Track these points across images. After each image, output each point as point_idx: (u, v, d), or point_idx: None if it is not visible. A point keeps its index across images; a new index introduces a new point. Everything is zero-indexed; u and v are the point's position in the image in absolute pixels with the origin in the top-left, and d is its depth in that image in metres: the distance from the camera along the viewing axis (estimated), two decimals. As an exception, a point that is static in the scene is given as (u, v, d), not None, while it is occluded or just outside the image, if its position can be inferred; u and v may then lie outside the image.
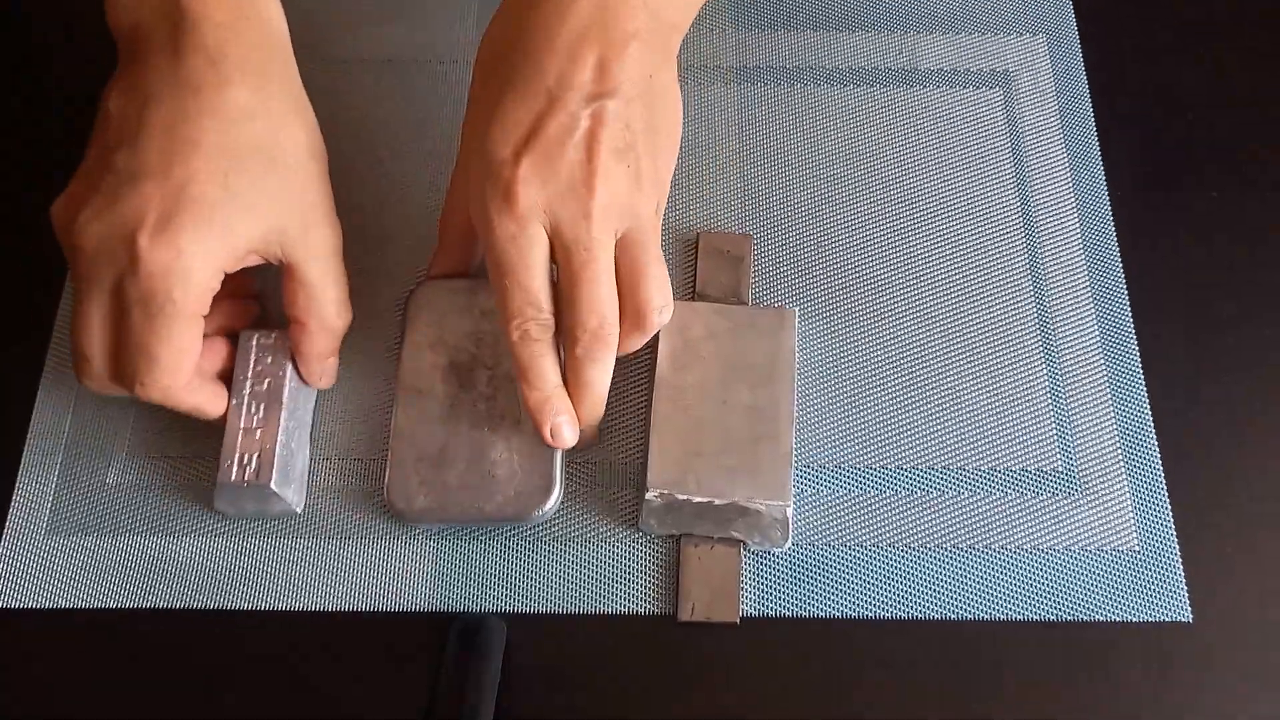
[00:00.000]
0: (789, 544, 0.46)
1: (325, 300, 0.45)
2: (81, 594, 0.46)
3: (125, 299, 0.41)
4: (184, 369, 0.42)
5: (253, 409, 0.46)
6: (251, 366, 0.46)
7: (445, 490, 0.45)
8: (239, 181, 0.42)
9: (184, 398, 0.43)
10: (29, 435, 0.48)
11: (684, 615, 0.45)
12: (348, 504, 0.47)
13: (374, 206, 0.53)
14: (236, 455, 0.45)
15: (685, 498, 0.45)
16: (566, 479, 0.47)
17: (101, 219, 0.41)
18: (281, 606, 0.46)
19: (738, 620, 0.45)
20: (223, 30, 0.43)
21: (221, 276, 0.42)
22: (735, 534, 0.46)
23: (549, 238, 0.42)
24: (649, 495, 0.45)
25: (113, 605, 0.45)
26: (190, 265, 0.40)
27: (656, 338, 0.47)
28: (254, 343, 0.47)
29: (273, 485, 0.45)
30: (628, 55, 0.42)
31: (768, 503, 0.45)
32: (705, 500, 0.45)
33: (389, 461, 0.46)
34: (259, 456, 0.45)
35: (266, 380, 0.46)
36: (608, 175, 0.42)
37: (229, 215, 0.41)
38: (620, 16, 0.42)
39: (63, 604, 0.46)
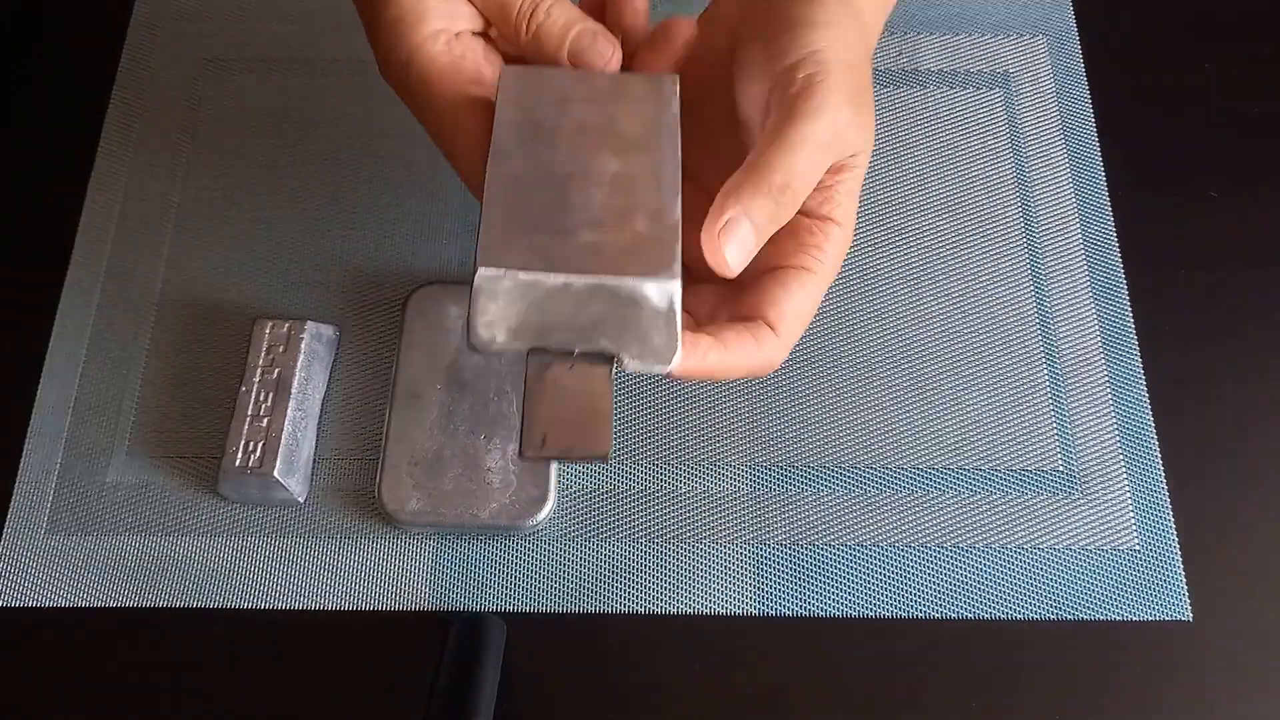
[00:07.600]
0: (677, 360, 0.33)
1: None
2: (81, 593, 0.46)
3: None
4: None
5: (261, 397, 0.46)
6: (263, 355, 0.47)
7: (438, 495, 0.46)
8: None
9: None
10: (29, 435, 0.48)
11: (530, 450, 0.33)
12: (348, 503, 0.47)
13: (372, 207, 0.53)
14: (242, 442, 0.45)
15: (532, 278, 0.32)
16: (566, 479, 0.47)
17: None
18: (281, 605, 0.46)
19: (608, 454, 0.33)
20: None
21: None
22: (604, 344, 0.33)
23: None
24: (481, 273, 0.32)
25: (113, 605, 0.45)
26: None
27: (494, 106, 0.37)
28: (267, 331, 0.47)
29: (276, 474, 0.45)
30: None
31: (646, 280, 0.32)
32: (561, 281, 0.32)
33: (382, 463, 0.46)
34: (264, 445, 0.45)
35: (277, 370, 0.47)
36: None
37: None
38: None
39: (63, 603, 0.46)
